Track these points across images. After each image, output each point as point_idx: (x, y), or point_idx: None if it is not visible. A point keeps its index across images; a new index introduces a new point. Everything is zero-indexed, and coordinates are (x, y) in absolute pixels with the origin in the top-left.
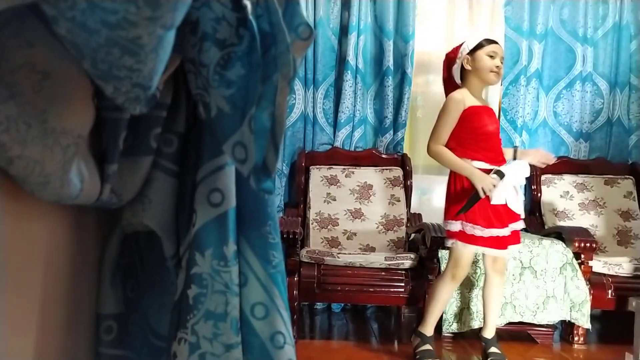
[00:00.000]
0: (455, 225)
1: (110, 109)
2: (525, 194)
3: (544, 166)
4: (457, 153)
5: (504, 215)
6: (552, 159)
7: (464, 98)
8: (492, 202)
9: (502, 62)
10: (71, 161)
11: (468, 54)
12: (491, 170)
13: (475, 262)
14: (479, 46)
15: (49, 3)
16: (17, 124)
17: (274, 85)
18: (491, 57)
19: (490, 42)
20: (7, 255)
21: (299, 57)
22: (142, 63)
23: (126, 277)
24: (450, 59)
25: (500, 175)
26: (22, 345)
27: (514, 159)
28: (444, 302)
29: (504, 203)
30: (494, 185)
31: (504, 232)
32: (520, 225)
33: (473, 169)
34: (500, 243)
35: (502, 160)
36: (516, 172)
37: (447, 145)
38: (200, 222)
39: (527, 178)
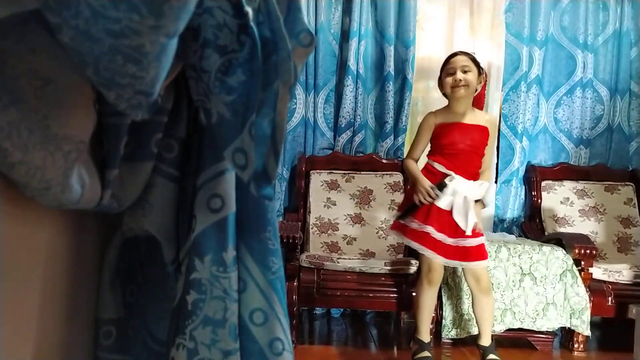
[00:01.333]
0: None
1: (111, 115)
2: (525, 200)
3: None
4: (428, 154)
5: (446, 224)
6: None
7: (437, 117)
8: (436, 203)
9: (468, 70)
10: (72, 167)
11: (439, 81)
12: (446, 175)
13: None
14: (441, 69)
15: (52, 11)
16: (19, 129)
17: (275, 92)
18: (450, 73)
19: (450, 58)
20: (7, 260)
21: (300, 64)
22: (144, 70)
23: (126, 281)
24: None
25: (441, 187)
26: (21, 350)
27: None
28: (429, 307)
29: (448, 210)
30: (432, 198)
31: (440, 236)
32: (469, 242)
33: (420, 176)
34: (440, 249)
35: (471, 178)
36: (470, 187)
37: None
38: (200, 227)
39: (527, 184)
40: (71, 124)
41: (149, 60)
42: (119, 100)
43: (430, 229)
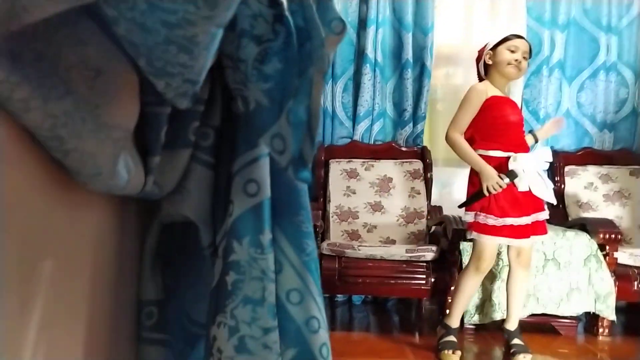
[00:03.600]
0: (470, 216)
1: (153, 104)
2: None
3: (559, 130)
4: (474, 144)
5: (524, 204)
6: (560, 123)
7: (487, 89)
8: (519, 190)
9: (525, 58)
10: (120, 154)
11: (491, 49)
12: (508, 158)
13: (498, 254)
14: (502, 41)
15: (109, 4)
16: (74, 118)
17: (310, 79)
18: (512, 51)
19: (515, 37)
20: (63, 242)
21: (332, 52)
22: (195, 59)
23: (164, 266)
24: (479, 54)
25: (512, 176)
26: (75, 328)
27: (535, 141)
28: (469, 295)
29: (527, 190)
30: (501, 187)
31: (521, 221)
32: (544, 215)
33: (484, 164)
34: (517, 232)
35: (522, 151)
36: (534, 160)
37: (465, 135)
38: (238, 211)
39: (550, 169)
40: (119, 113)
41: (200, 50)
42: (168, 89)
43: (511, 221)
